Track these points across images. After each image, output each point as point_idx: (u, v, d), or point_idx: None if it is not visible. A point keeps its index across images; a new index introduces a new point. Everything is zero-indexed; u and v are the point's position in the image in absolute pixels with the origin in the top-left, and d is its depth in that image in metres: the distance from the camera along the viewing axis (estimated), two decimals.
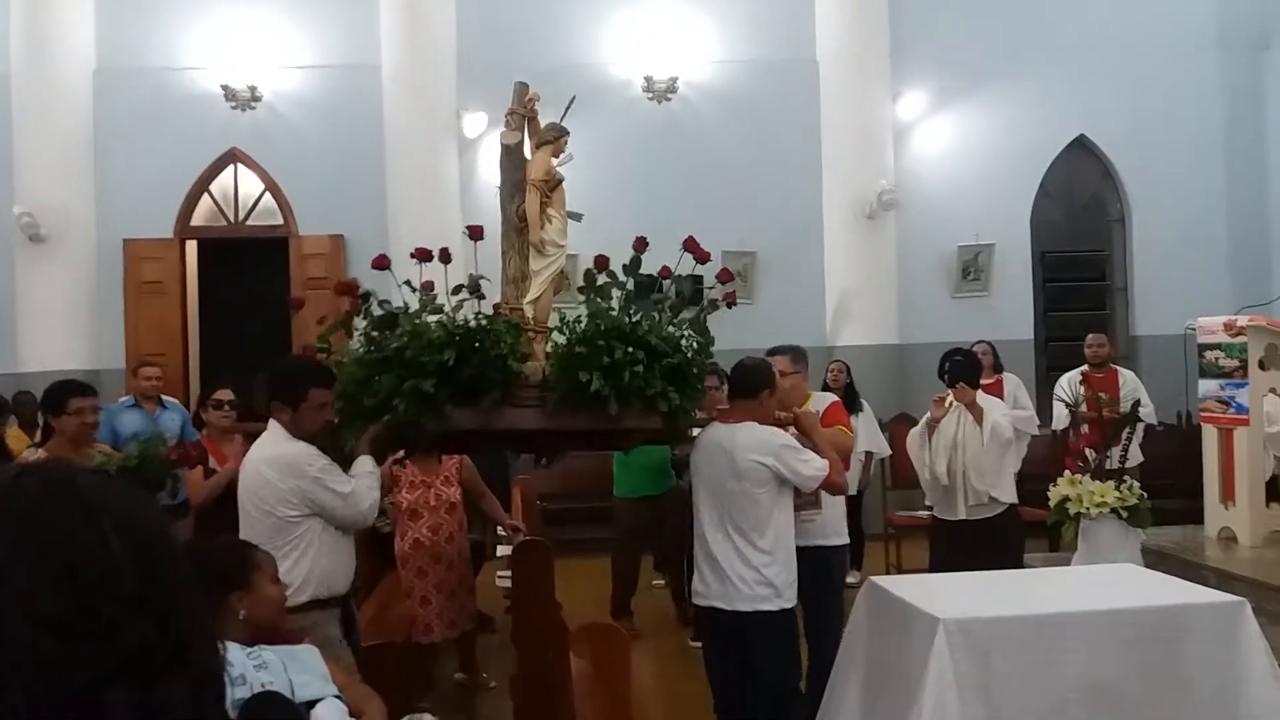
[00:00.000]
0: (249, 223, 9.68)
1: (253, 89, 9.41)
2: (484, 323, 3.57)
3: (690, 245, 3.79)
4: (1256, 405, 5.98)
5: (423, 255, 3.91)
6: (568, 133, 4.06)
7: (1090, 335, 7.59)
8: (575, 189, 10.66)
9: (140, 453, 4.82)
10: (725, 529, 3.91)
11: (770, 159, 9.68)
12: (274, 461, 3.45)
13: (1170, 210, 9.97)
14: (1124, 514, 5.42)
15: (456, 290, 3.82)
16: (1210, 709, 3.44)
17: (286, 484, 3.42)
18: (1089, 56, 9.86)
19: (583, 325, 3.58)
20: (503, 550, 5.72)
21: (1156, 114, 9.92)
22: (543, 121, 4.14)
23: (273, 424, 3.54)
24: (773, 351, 4.89)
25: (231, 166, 9.57)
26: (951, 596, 3.63)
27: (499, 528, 5.86)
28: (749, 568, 3.85)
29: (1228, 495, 6.10)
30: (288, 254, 9.51)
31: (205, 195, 9.61)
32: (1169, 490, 7.20)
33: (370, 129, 9.18)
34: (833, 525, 4.47)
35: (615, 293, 3.79)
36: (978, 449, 5.18)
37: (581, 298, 3.79)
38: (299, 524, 3.43)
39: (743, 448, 3.89)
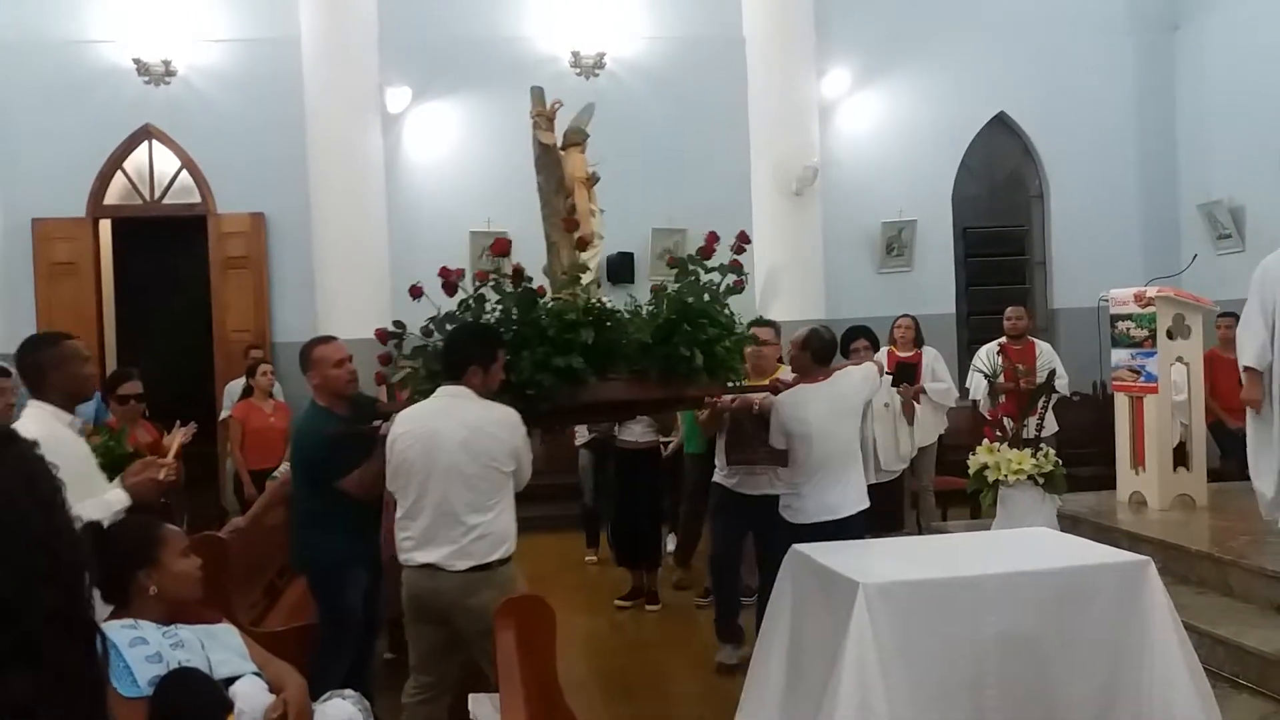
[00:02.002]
0: (165, 201, 9.40)
1: (166, 63, 9.12)
2: (607, 304, 4.12)
3: (741, 237, 4.47)
4: (1165, 374, 6.18)
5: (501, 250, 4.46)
6: (589, 135, 4.65)
7: (1009, 308, 7.76)
8: (503, 164, 10.59)
9: (105, 451, 4.67)
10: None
11: (698, 136, 9.70)
12: (503, 422, 3.65)
13: (1086, 186, 10.25)
14: (1040, 481, 5.58)
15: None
16: (1118, 662, 3.57)
17: (514, 441, 3.65)
18: (1008, 35, 10.06)
19: (664, 305, 4.13)
20: None
21: (1073, 92, 10.17)
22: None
23: (462, 388, 3.65)
24: (755, 323, 5.45)
25: (146, 143, 9.29)
26: (872, 561, 3.71)
27: None
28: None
29: (1138, 461, 6.31)
30: (206, 233, 9.28)
31: (119, 173, 9.31)
32: (1084, 458, 7.43)
33: (290, 104, 8.96)
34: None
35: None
36: (889, 428, 6.07)
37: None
38: (509, 479, 3.67)
39: (858, 393, 4.87)
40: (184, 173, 9.33)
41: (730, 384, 4.58)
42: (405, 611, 3.74)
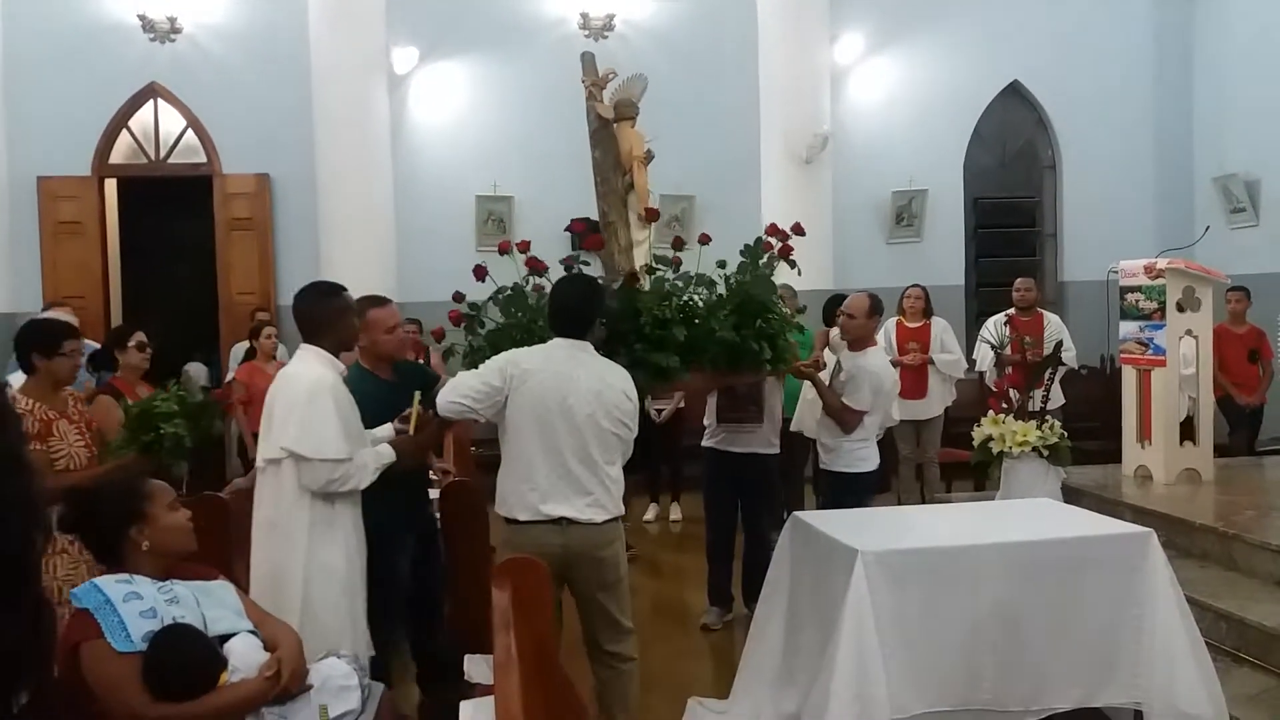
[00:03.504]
0: (170, 161, 9.35)
1: (172, 20, 9.04)
2: (699, 300, 4.19)
3: (796, 229, 4.64)
4: (1173, 347, 6.11)
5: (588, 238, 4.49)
6: (639, 110, 4.61)
7: (1018, 280, 7.70)
8: (510, 128, 10.47)
9: (179, 401, 4.68)
10: None
11: (708, 101, 9.59)
12: (629, 382, 3.60)
13: (1100, 157, 10.13)
14: (1045, 453, 5.55)
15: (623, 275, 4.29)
16: (1119, 633, 3.56)
17: (635, 403, 3.60)
18: (1023, 2, 9.91)
19: (729, 295, 4.26)
20: (433, 494, 5.68)
21: (1088, 61, 10.03)
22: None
23: (585, 343, 3.57)
24: None
25: (151, 101, 9.23)
26: (871, 530, 3.69)
27: (430, 472, 5.81)
28: None
29: (1144, 434, 6.25)
30: (211, 193, 9.24)
31: (124, 131, 9.25)
32: (1091, 431, 7.39)
33: (296, 64, 8.88)
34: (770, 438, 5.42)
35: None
36: None
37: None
38: (628, 441, 3.61)
39: None
40: (189, 132, 9.27)
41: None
42: None
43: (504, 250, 4.38)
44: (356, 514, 3.43)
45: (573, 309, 3.61)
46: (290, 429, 3.25)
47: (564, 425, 3.43)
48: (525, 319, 4.19)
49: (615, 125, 4.39)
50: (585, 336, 3.58)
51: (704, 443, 5.52)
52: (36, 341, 3.94)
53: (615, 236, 4.39)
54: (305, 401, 3.26)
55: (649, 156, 4.44)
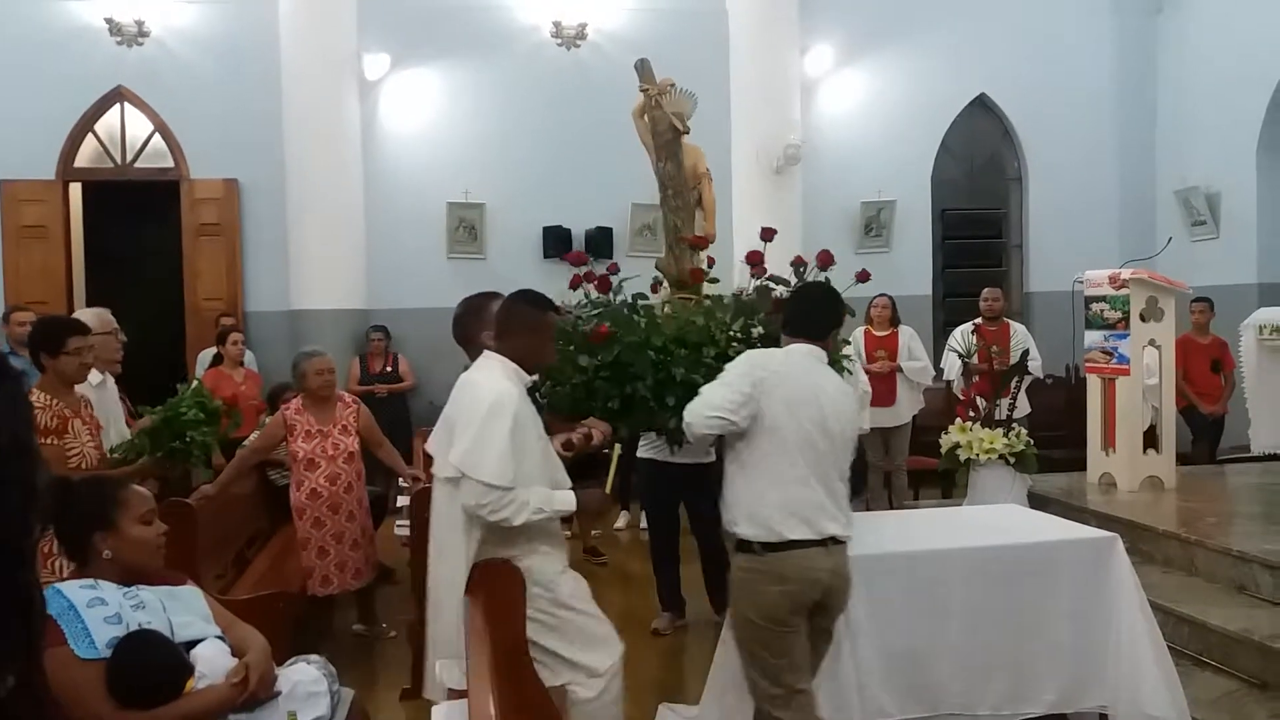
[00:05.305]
0: (137, 165, 9.25)
1: (140, 23, 8.95)
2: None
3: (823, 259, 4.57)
4: (1137, 356, 6.21)
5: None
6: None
7: (986, 289, 7.79)
8: (482, 135, 10.41)
9: (198, 405, 4.65)
10: None
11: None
12: (853, 397, 3.42)
13: (1065, 169, 10.28)
14: (1011, 460, 5.62)
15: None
16: (1084, 637, 3.61)
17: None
18: (991, 17, 10.05)
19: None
20: (403, 501, 5.65)
21: (1054, 75, 10.18)
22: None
23: (822, 351, 3.31)
24: None
25: (118, 105, 9.12)
26: None
27: (400, 479, 5.78)
28: None
29: (1109, 443, 6.34)
30: (179, 198, 9.14)
31: (90, 135, 9.14)
32: (1056, 440, 7.48)
33: (266, 68, 8.81)
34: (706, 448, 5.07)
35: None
36: None
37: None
38: None
39: None
40: (156, 136, 9.17)
41: None
42: (783, 603, 3.08)
43: (574, 261, 4.32)
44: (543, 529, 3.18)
45: (814, 312, 3.38)
46: (463, 443, 3.04)
47: (821, 436, 3.14)
48: (644, 338, 4.03)
49: (679, 136, 4.33)
50: (819, 341, 3.31)
51: (641, 453, 5.46)
52: (41, 341, 3.89)
53: (686, 252, 4.34)
54: (482, 417, 3.02)
55: (709, 175, 4.43)
